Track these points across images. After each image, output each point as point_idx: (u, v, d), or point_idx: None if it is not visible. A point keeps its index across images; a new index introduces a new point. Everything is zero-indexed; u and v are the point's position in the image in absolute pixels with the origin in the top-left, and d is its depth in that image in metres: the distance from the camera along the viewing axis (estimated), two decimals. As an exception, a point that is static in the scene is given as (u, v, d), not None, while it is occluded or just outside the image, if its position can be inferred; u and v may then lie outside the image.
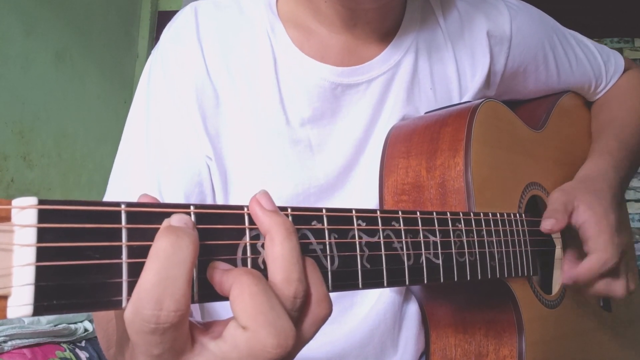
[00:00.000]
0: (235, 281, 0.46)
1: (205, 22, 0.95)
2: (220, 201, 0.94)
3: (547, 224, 0.93)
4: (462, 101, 1.03)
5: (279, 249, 0.49)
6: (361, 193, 0.96)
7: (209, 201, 0.93)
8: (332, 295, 0.93)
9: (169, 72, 0.93)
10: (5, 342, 1.69)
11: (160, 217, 0.44)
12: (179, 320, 0.43)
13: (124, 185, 0.92)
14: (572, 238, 1.02)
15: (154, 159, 0.90)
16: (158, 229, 0.44)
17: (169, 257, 0.43)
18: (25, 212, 0.37)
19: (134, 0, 3.02)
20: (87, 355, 1.83)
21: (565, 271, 0.98)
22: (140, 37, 3.05)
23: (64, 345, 1.80)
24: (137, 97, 0.97)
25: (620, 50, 3.06)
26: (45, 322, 1.78)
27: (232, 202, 0.95)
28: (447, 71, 1.04)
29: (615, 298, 0.98)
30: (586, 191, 1.00)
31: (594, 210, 0.96)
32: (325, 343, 0.95)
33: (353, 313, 0.96)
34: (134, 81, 2.94)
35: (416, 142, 0.93)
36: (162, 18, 3.02)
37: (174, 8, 2.98)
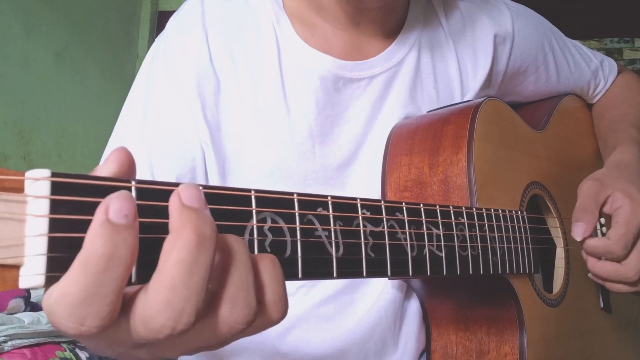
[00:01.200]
0: (178, 228, 0.40)
1: (211, 10, 0.96)
2: None
3: (579, 232, 0.93)
4: (463, 100, 1.03)
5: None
6: (360, 188, 0.97)
7: None
8: (332, 292, 0.94)
9: (171, 58, 0.94)
10: (5, 342, 1.69)
11: (169, 195, 0.43)
12: (102, 332, 0.39)
13: None
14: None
15: (149, 140, 0.91)
16: (167, 207, 0.42)
17: (102, 269, 0.37)
18: (38, 183, 0.37)
19: (134, 0, 3.02)
20: (87, 356, 1.82)
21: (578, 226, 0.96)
22: (140, 37, 3.06)
23: (64, 345, 1.79)
24: (138, 80, 0.98)
25: (620, 51, 3.07)
26: (45, 322, 1.77)
27: None
28: (449, 70, 1.04)
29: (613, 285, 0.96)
30: (622, 178, 1.00)
31: (631, 198, 0.95)
32: (326, 340, 0.95)
33: (354, 310, 0.97)
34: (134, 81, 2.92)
35: (419, 140, 0.93)
36: (162, 18, 3.03)
37: (174, 8, 2.98)
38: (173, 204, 0.41)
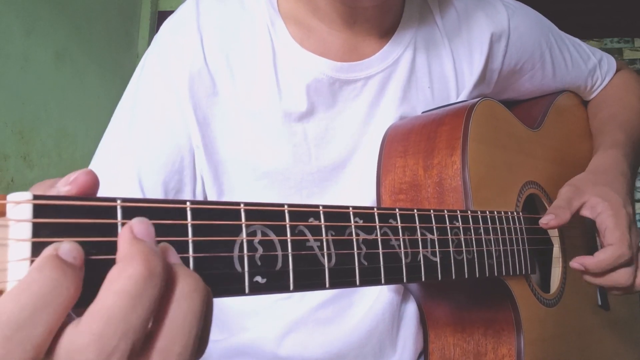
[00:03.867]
0: (126, 257, 0.39)
1: (206, 13, 0.96)
2: (210, 191, 0.95)
3: (545, 219, 0.93)
4: (458, 99, 1.03)
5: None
6: (355, 190, 0.97)
7: (187, 191, 0.94)
8: (329, 295, 0.94)
9: (164, 59, 0.94)
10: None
11: (156, 213, 0.44)
12: None
13: (105, 164, 0.92)
14: (571, 237, 1.03)
15: (136, 141, 0.91)
16: (154, 224, 0.42)
17: (44, 294, 0.35)
18: (20, 206, 0.37)
19: (134, 0, 3.02)
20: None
21: (577, 258, 0.95)
22: (140, 37, 3.05)
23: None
24: (131, 83, 0.98)
25: (620, 51, 3.06)
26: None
27: (225, 193, 0.96)
28: (444, 69, 1.04)
29: (624, 292, 0.96)
30: (598, 183, 1.00)
31: (610, 201, 0.95)
32: (324, 343, 0.95)
33: (351, 313, 0.97)
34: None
35: (413, 141, 0.93)
36: (162, 18, 3.00)
37: (174, 8, 2.96)
38: (124, 234, 0.40)
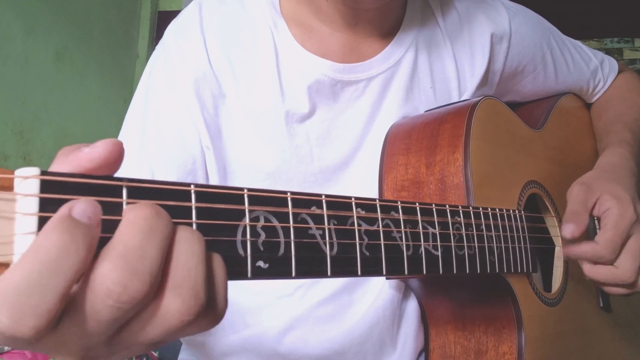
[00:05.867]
0: (133, 207, 0.41)
1: (209, 16, 0.96)
2: None
3: (568, 231, 0.91)
4: (461, 99, 1.03)
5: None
6: (358, 190, 0.97)
7: None
8: (330, 292, 0.94)
9: (170, 63, 0.95)
10: (3, 341, 1.68)
11: (161, 194, 0.44)
12: (37, 337, 0.36)
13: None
14: None
15: (149, 145, 0.92)
16: (158, 205, 0.42)
17: (51, 260, 0.35)
18: (27, 181, 0.37)
19: (134, 0, 3.02)
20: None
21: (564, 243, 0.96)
22: (140, 37, 3.05)
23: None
24: (139, 88, 0.99)
25: (620, 51, 3.06)
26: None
27: None
28: (446, 70, 1.04)
29: (615, 294, 0.95)
30: (610, 180, 0.98)
31: (619, 199, 0.94)
32: (324, 340, 0.95)
33: (352, 310, 0.97)
34: (134, 81, 2.93)
35: (415, 139, 0.93)
36: (162, 18, 3.02)
37: (174, 8, 2.98)
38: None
